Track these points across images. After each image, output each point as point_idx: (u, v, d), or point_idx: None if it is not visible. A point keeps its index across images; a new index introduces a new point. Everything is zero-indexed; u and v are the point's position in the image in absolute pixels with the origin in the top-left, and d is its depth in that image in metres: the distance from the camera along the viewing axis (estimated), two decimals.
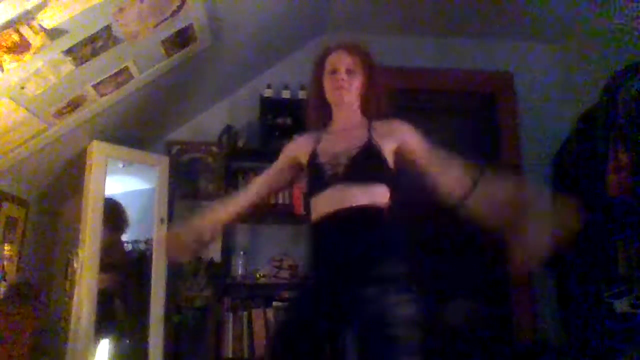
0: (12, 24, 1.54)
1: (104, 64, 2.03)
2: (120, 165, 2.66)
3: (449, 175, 1.54)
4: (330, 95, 1.64)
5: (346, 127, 1.62)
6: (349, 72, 1.61)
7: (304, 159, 1.62)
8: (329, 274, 1.46)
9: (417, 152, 1.59)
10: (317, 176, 1.54)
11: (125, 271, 2.71)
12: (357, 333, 1.36)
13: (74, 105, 2.14)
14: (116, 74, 2.14)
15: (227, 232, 2.81)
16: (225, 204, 1.68)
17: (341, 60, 1.62)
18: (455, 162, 1.55)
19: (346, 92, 1.60)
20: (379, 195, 1.52)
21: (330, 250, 1.47)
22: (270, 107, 2.79)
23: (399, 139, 1.59)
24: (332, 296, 1.42)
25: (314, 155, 1.57)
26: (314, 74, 1.70)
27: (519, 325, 2.73)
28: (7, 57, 1.63)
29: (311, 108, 1.72)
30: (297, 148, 1.67)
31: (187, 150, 2.88)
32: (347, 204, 1.46)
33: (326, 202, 1.50)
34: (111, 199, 2.58)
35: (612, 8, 2.57)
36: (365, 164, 1.53)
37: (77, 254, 2.34)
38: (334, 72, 1.61)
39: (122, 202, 2.78)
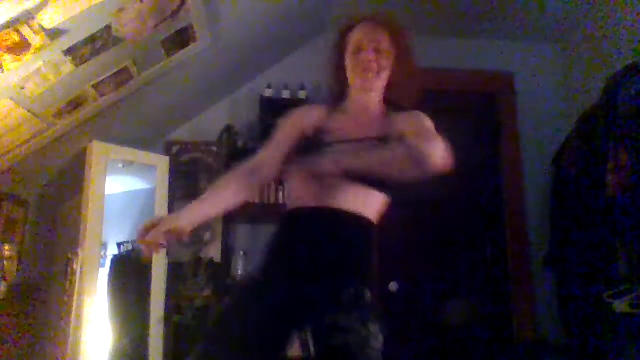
0: (12, 24, 1.54)
1: (104, 64, 2.02)
2: (120, 165, 2.66)
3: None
4: (353, 78, 1.38)
5: (363, 112, 1.39)
6: (377, 51, 1.35)
7: (309, 132, 1.35)
8: (292, 282, 1.23)
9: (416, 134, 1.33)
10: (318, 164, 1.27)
11: None
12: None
13: (74, 105, 2.13)
14: (116, 74, 2.14)
15: (227, 232, 2.81)
16: (238, 185, 1.33)
17: (368, 37, 1.36)
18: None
19: (374, 76, 1.35)
20: (375, 205, 1.31)
21: (299, 255, 1.25)
22: (270, 107, 2.79)
23: (405, 130, 1.34)
24: (292, 312, 1.21)
25: (320, 131, 1.33)
26: (333, 53, 1.43)
27: (519, 325, 2.73)
28: (7, 57, 1.63)
29: (330, 79, 1.47)
30: (306, 117, 1.40)
31: (187, 150, 2.88)
32: (335, 204, 1.25)
33: (314, 194, 1.27)
34: None
35: (612, 8, 2.57)
36: (374, 164, 1.24)
37: (77, 254, 2.34)
38: (359, 51, 1.35)
39: (122, 202, 2.78)
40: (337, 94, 1.46)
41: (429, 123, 1.44)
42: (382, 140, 1.31)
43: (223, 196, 1.33)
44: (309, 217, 1.29)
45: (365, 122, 1.37)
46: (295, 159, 1.36)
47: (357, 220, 1.28)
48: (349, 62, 1.38)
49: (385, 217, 1.39)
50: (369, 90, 1.38)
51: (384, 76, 1.37)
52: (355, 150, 1.27)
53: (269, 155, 1.39)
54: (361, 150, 1.27)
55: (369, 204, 1.31)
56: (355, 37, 1.37)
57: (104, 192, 2.47)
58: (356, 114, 1.40)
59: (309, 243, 1.26)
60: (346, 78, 1.40)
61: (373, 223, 1.33)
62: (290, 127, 1.41)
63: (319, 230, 1.27)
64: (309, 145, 1.33)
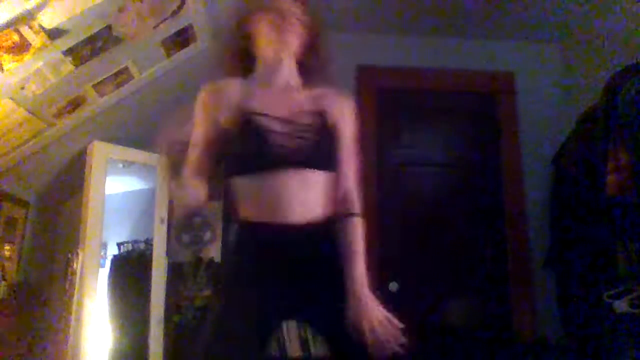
0: (12, 24, 1.54)
1: (104, 64, 2.03)
2: (120, 165, 2.66)
3: (341, 184, 1.27)
4: (265, 43, 1.29)
5: (283, 83, 1.29)
6: (292, 18, 1.28)
7: (233, 113, 1.22)
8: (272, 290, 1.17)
9: (339, 140, 1.27)
10: (257, 147, 1.16)
11: None
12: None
13: (74, 105, 2.14)
14: (116, 74, 2.15)
15: (227, 232, 2.81)
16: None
17: (285, 5, 1.28)
18: (352, 178, 1.31)
19: (288, 37, 1.27)
20: (324, 193, 1.22)
21: (278, 271, 1.18)
22: None
23: (331, 112, 1.27)
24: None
25: (245, 110, 1.20)
26: (241, 18, 1.33)
27: (519, 325, 2.73)
28: (7, 57, 1.63)
29: (230, 59, 1.37)
30: (224, 98, 1.27)
31: (187, 150, 2.87)
32: (292, 218, 1.15)
33: (276, 195, 1.15)
34: None
35: (612, 8, 2.57)
36: (322, 140, 1.21)
37: (77, 254, 2.34)
38: (272, 16, 1.27)
39: (122, 202, 2.78)
40: (244, 66, 1.35)
41: (351, 121, 1.33)
42: (318, 111, 1.25)
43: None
44: (274, 237, 1.17)
45: (288, 95, 1.28)
46: (232, 147, 1.23)
47: (316, 230, 1.19)
48: (258, 29, 1.28)
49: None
50: (281, 56, 1.28)
51: (296, 42, 1.29)
52: (290, 130, 1.18)
53: (198, 160, 1.30)
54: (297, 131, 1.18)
55: (321, 196, 1.21)
56: (267, 7, 1.28)
57: (104, 192, 2.47)
58: (276, 86, 1.29)
59: (282, 263, 1.19)
60: (251, 54, 1.32)
61: (330, 218, 1.24)
62: (207, 122, 1.30)
63: (288, 250, 1.18)
64: (242, 133, 1.20)
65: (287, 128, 1.18)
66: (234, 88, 1.28)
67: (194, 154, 1.30)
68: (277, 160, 1.15)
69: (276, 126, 1.17)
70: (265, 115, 1.19)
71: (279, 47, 1.28)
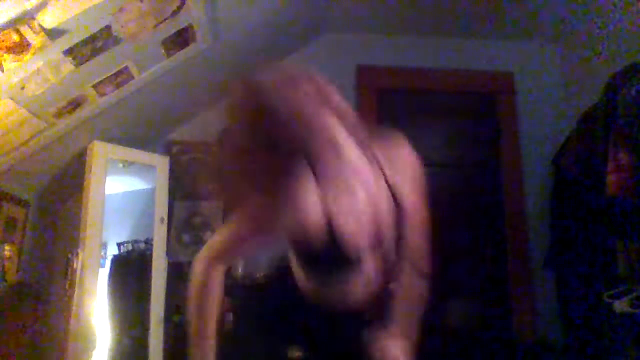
0: (12, 24, 1.53)
1: (104, 64, 2.02)
2: (120, 165, 2.66)
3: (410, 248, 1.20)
4: (314, 123, 0.96)
5: (346, 168, 1.05)
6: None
7: (313, 233, 1.04)
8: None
9: (409, 205, 1.19)
10: (335, 259, 1.08)
11: None
12: None
13: (74, 105, 2.13)
14: (116, 74, 2.14)
15: None
16: (207, 325, 1.15)
17: (314, 75, 1.01)
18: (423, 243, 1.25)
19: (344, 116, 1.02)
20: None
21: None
22: None
23: (397, 179, 1.16)
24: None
25: (330, 220, 1.04)
26: (254, 96, 0.94)
27: (519, 325, 2.73)
28: (7, 57, 1.63)
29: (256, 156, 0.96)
30: (306, 220, 1.04)
31: (187, 150, 2.88)
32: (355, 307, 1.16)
33: (341, 287, 1.14)
34: None
35: (612, 8, 2.57)
36: (396, 225, 1.18)
37: (77, 254, 2.34)
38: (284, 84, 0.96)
39: (122, 202, 2.78)
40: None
41: (419, 180, 1.26)
42: (384, 192, 1.12)
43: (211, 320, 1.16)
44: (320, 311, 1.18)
45: (357, 180, 1.08)
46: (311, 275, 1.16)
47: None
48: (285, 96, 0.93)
49: None
50: (335, 134, 1.02)
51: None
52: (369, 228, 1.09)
53: (235, 245, 1.18)
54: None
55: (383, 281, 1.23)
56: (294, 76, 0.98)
57: (104, 192, 2.47)
58: (340, 172, 1.04)
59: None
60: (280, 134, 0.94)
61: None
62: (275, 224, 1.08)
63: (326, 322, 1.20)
64: (319, 250, 1.06)
65: (366, 227, 1.09)
66: (312, 193, 1.02)
67: (231, 236, 1.17)
68: (352, 260, 1.09)
69: (356, 229, 1.07)
70: (346, 217, 1.06)
71: (334, 125, 1.00)
